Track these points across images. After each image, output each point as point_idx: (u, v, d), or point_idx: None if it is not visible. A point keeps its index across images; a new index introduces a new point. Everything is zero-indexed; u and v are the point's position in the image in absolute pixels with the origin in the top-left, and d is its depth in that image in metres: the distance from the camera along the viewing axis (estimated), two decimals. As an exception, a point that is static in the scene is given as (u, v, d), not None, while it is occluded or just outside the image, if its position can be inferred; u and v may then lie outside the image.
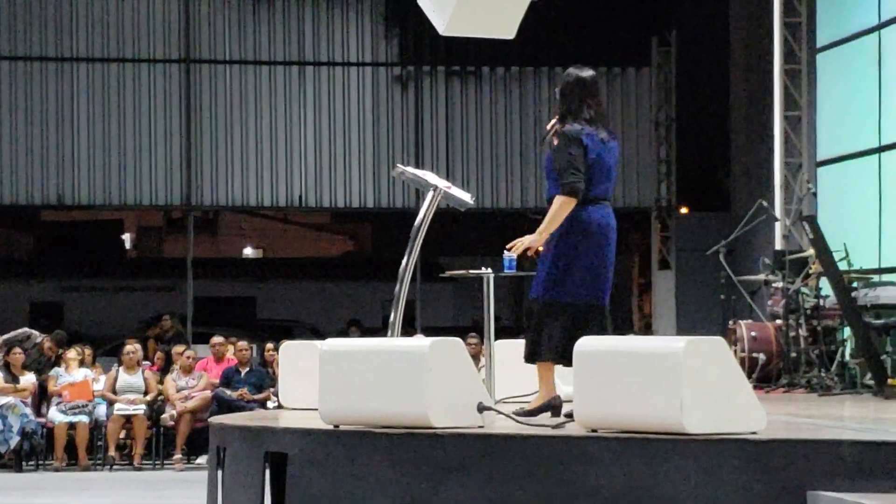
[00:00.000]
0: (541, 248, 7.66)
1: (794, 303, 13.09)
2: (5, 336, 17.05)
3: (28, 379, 16.28)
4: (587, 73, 7.78)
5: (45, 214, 36.00)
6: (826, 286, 12.90)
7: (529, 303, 7.74)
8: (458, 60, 23.05)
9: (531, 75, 23.05)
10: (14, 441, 15.68)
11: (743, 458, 6.27)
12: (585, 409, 6.72)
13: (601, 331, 7.55)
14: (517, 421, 7.28)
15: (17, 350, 16.37)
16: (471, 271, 8.82)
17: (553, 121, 7.82)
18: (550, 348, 7.59)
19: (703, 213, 23.65)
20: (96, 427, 16.22)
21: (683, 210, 23.93)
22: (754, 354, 13.52)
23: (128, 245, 40.42)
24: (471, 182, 22.19)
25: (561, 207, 7.54)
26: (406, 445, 6.87)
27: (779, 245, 17.79)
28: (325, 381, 7.33)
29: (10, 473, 15.55)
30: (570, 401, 7.09)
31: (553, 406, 7.66)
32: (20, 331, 17.23)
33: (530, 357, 7.70)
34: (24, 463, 15.90)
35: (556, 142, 7.69)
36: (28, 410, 15.88)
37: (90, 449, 16.13)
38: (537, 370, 7.74)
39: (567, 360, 7.34)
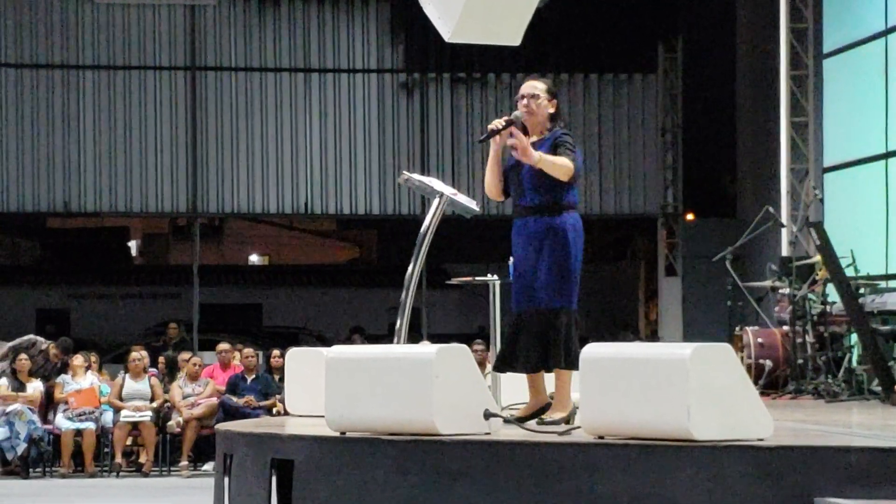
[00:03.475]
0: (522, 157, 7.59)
1: (800, 309, 13.06)
2: (11, 343, 17.08)
3: (34, 386, 16.29)
4: None
5: (51, 221, 36.05)
6: (833, 292, 12.87)
7: (553, 311, 7.67)
8: (463, 67, 23.06)
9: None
10: (21, 448, 15.68)
11: (750, 464, 6.25)
12: (592, 416, 6.70)
13: None
14: (524, 428, 7.27)
15: (24, 356, 16.38)
16: (477, 278, 8.81)
17: (505, 118, 7.81)
18: (577, 356, 7.59)
19: (709, 220, 23.63)
20: (103, 434, 16.23)
21: (690, 216, 23.91)
22: (761, 361, 13.50)
23: (134, 252, 40.49)
24: (476, 189, 22.13)
25: (564, 167, 7.55)
26: (412, 452, 6.86)
27: (785, 251, 17.76)
28: (331, 388, 7.32)
29: (17, 480, 15.56)
30: (577, 407, 7.08)
31: (573, 414, 7.66)
32: (25, 338, 17.25)
33: (566, 363, 7.63)
34: (31, 470, 15.91)
35: (553, 143, 7.70)
36: (35, 417, 15.88)
37: (97, 456, 16.14)
38: (560, 378, 7.68)
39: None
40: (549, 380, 7.91)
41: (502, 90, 23.07)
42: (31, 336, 17.45)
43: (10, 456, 15.80)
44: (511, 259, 7.93)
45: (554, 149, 7.67)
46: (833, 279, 12.15)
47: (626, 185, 23.39)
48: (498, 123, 7.79)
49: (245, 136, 22.70)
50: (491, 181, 7.94)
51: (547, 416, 7.63)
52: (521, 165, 7.74)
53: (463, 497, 6.68)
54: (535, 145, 7.75)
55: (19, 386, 16.18)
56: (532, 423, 7.47)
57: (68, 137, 22.37)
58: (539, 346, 7.64)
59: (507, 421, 7.33)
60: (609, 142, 23.33)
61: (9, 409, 15.80)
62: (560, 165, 7.58)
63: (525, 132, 7.83)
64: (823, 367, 12.84)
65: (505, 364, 7.83)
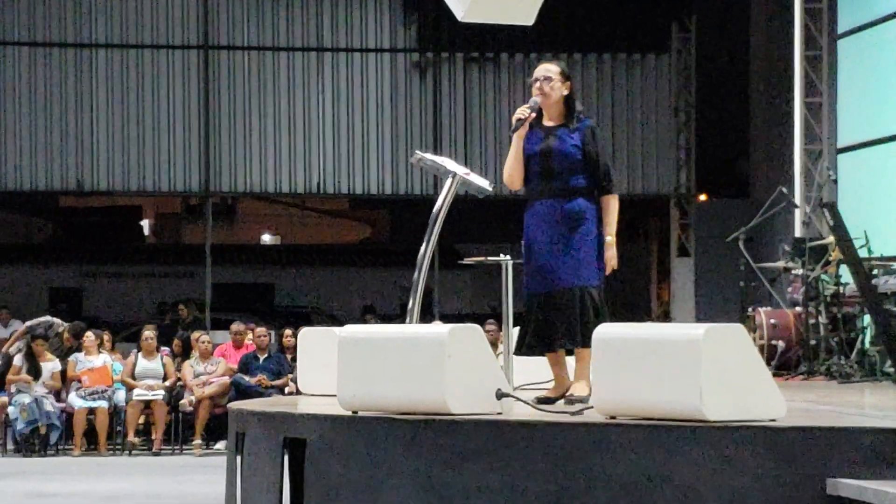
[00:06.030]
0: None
1: (813, 290, 13.05)
2: (29, 322, 17.13)
3: (51, 367, 16.32)
4: None
5: (63, 200, 36.09)
6: (846, 273, 12.85)
7: (586, 289, 7.72)
8: (476, 47, 23.02)
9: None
10: (26, 428, 15.76)
11: (762, 445, 6.25)
12: (604, 396, 6.70)
13: None
14: (536, 407, 7.28)
15: (41, 342, 16.40)
16: (489, 258, 8.79)
17: (528, 106, 7.83)
18: None
19: (722, 200, 23.59)
20: (115, 412, 16.27)
21: (703, 197, 23.87)
22: (774, 342, 13.49)
23: (146, 231, 40.52)
24: (489, 169, 22.15)
25: (616, 207, 7.87)
26: (424, 432, 6.87)
27: (798, 232, 17.73)
28: (343, 367, 7.33)
29: (30, 458, 15.61)
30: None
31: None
32: (43, 319, 17.29)
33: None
34: (44, 448, 15.95)
35: (589, 133, 7.76)
36: (29, 399, 15.89)
37: (109, 434, 16.18)
38: (583, 356, 7.67)
39: None
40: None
41: (515, 70, 23.03)
42: (49, 318, 17.46)
43: (19, 437, 15.89)
44: (525, 241, 7.90)
45: (584, 147, 7.75)
46: (846, 260, 12.13)
47: (638, 165, 23.36)
48: (524, 111, 7.81)
49: (258, 115, 22.70)
50: (513, 171, 7.91)
51: (574, 393, 7.66)
52: (549, 150, 7.78)
53: (474, 476, 6.69)
54: (554, 132, 7.79)
55: (34, 368, 16.23)
56: (554, 405, 7.48)
57: (81, 116, 22.38)
58: (590, 322, 7.61)
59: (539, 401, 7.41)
60: (622, 122, 23.29)
61: (17, 399, 15.90)
62: (616, 212, 7.88)
63: (540, 115, 7.84)
64: (836, 348, 12.83)
65: (545, 343, 7.82)
